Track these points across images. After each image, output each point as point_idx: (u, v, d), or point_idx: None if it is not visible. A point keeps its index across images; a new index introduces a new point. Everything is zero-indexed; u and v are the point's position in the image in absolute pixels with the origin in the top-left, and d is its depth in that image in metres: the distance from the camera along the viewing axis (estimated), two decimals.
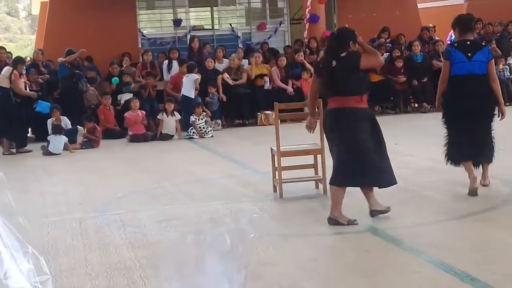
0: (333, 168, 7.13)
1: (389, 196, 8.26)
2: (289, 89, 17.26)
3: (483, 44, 8.34)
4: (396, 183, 7.19)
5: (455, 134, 8.22)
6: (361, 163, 6.94)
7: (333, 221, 6.96)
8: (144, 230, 7.36)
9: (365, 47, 7.25)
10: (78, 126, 14.83)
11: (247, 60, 17.89)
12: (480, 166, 8.31)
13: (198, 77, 16.12)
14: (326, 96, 7.21)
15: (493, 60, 8.25)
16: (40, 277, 2.51)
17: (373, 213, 7.12)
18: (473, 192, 7.85)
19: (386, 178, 7.09)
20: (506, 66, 18.24)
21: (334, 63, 7.01)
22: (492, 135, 8.26)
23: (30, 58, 18.65)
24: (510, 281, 5.10)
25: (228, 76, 17.09)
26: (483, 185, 8.16)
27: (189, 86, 16.04)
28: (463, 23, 8.31)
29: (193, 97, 16.00)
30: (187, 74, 16.21)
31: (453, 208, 7.52)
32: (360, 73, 7.09)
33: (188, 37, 19.49)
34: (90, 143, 14.50)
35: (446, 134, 8.40)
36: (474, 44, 8.28)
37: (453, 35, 19.60)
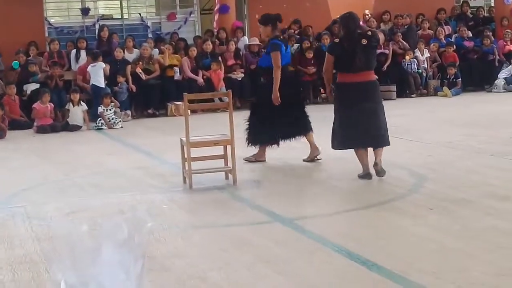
0: (383, 131, 8.36)
1: (298, 186, 8.34)
2: (200, 79, 17.21)
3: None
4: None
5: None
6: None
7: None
8: (50, 222, 7.21)
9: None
10: None
11: (157, 50, 17.72)
12: None
13: (105, 65, 15.93)
14: (344, 71, 8.35)
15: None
16: None
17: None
18: None
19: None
20: (414, 59, 18.57)
21: (364, 41, 8.20)
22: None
23: None
24: (414, 268, 5.19)
25: (140, 69, 16.91)
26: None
27: (97, 74, 15.84)
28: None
29: (103, 86, 15.81)
30: (92, 63, 15.99)
31: (359, 197, 7.63)
32: (376, 50, 8.71)
33: (97, 26, 19.20)
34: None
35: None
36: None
37: None
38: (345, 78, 8.35)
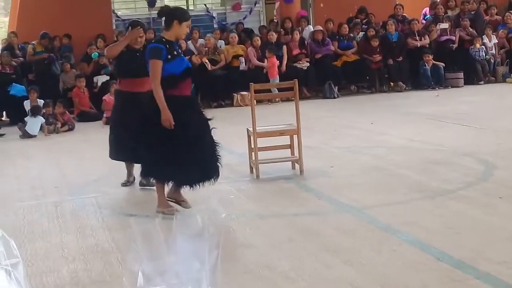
0: None
1: (365, 175, 8.32)
2: (266, 65, 17.12)
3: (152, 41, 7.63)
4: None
5: None
6: None
7: None
8: (121, 212, 7.35)
9: None
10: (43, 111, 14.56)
11: (223, 41, 17.83)
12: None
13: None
14: None
15: (151, 61, 6.81)
16: (11, 260, 2.51)
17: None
18: None
19: None
20: (482, 47, 18.27)
21: None
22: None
23: (4, 40, 18.48)
24: (484, 258, 5.15)
25: (207, 60, 17.02)
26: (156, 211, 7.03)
27: None
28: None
29: None
30: None
31: (427, 186, 7.57)
32: None
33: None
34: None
35: None
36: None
37: (427, 13, 19.77)
38: None
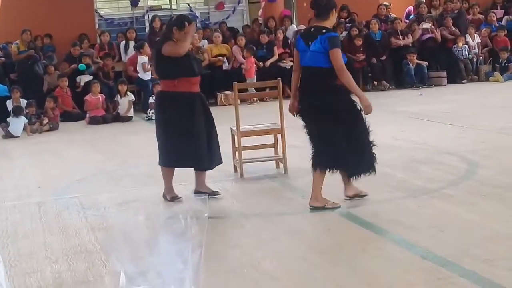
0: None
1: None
2: (245, 65, 17.02)
3: (324, 31, 6.66)
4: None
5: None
6: None
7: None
8: (104, 212, 7.32)
9: None
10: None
11: (206, 41, 17.80)
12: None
13: (144, 60, 16.02)
14: None
15: (333, 50, 6.60)
16: None
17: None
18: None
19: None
20: (465, 45, 18.32)
21: None
22: (352, 142, 6.81)
23: None
24: (468, 255, 5.16)
25: None
26: (346, 197, 7.03)
27: (140, 67, 16.05)
28: (316, 7, 6.92)
29: (145, 78, 15.99)
30: (139, 56, 16.17)
31: (410, 184, 7.58)
32: None
33: (146, 17, 19.35)
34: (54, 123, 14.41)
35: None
36: (316, 32, 6.80)
37: (411, 12, 19.80)
38: None
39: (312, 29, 6.91)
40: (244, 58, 17.08)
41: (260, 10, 19.11)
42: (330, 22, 6.89)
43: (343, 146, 6.71)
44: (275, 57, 17.48)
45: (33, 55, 16.44)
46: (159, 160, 7.64)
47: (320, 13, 6.83)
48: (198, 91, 7.66)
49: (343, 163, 6.82)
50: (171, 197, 7.51)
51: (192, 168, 7.67)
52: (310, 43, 6.74)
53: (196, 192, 7.59)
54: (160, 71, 7.69)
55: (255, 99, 15.91)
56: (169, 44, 7.39)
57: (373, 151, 6.93)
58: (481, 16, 19.59)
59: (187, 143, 7.38)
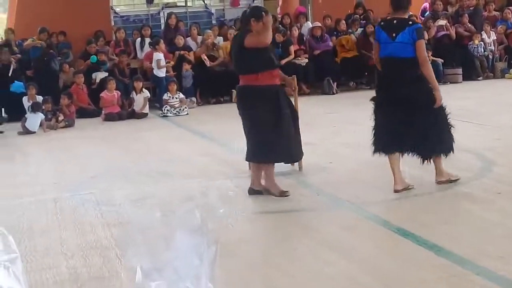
0: None
1: (363, 171, 8.31)
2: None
3: (410, 23, 7.12)
4: None
5: (378, 123, 7.55)
6: None
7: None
8: (119, 209, 7.35)
9: None
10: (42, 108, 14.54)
11: (221, 37, 17.81)
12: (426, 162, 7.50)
13: (160, 57, 16.05)
14: None
15: (421, 41, 7.10)
16: (9, 255, 2.51)
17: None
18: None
19: None
20: (481, 43, 18.24)
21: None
22: (441, 126, 7.38)
23: (2, 37, 18.45)
24: (481, 253, 5.16)
25: (205, 57, 16.99)
26: (437, 182, 7.36)
27: (155, 65, 16.07)
28: (396, 1, 7.35)
29: (159, 75, 16.02)
30: (155, 52, 16.20)
31: (425, 182, 7.56)
32: None
33: (161, 14, 19.38)
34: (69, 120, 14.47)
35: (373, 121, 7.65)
36: (400, 23, 7.21)
37: (427, 9, 19.74)
38: None
39: (395, 21, 7.26)
40: None
41: (278, 8, 19.09)
42: (407, 14, 7.51)
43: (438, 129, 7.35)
44: (291, 57, 17.43)
45: (50, 51, 16.51)
46: (247, 156, 7.68)
47: (401, 6, 7.31)
48: (279, 83, 7.61)
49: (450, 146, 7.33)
50: (279, 192, 7.38)
51: (283, 162, 7.76)
52: (394, 34, 7.16)
53: (265, 190, 7.50)
54: (242, 65, 7.53)
55: None
56: (251, 35, 7.34)
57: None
58: (496, 13, 19.50)
59: (278, 137, 7.36)
